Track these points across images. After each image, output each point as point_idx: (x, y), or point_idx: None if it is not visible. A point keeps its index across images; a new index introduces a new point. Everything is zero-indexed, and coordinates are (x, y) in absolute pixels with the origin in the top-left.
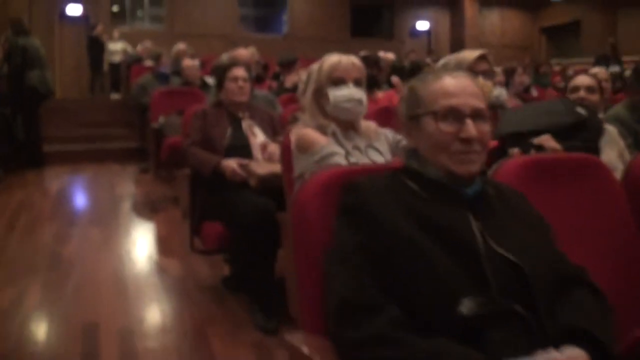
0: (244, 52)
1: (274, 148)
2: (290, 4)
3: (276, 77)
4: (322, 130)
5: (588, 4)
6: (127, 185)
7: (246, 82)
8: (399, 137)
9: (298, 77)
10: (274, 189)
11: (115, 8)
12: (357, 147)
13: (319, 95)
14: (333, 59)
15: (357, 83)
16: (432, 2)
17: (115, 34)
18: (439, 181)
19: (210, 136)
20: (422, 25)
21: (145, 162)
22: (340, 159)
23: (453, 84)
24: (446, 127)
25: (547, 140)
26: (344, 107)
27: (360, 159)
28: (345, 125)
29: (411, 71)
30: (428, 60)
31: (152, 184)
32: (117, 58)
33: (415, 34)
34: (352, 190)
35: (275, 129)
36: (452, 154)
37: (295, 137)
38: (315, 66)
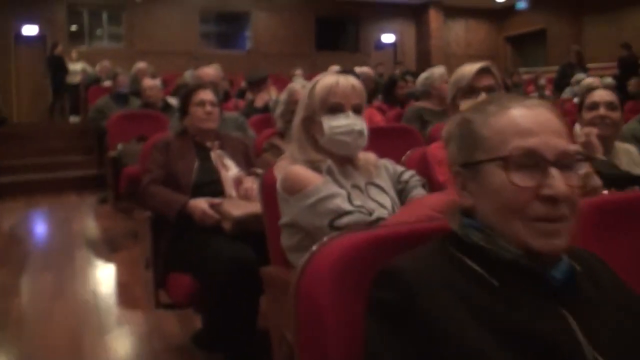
0: (210, 71)
1: (251, 183)
2: (253, 20)
3: (241, 94)
4: (315, 166)
5: (553, 13)
6: (85, 219)
7: (214, 106)
8: (399, 168)
9: (269, 95)
10: (252, 234)
11: (73, 27)
12: (356, 186)
13: (310, 123)
14: (328, 80)
15: (357, 110)
16: (397, 14)
17: (74, 54)
18: (515, 263)
19: (175, 171)
20: (388, 37)
21: (104, 191)
22: (342, 202)
23: (529, 118)
24: (522, 179)
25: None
26: (342, 140)
27: (363, 201)
28: (342, 160)
29: (388, 86)
30: (397, 72)
31: (111, 217)
32: (76, 79)
33: (380, 46)
34: (393, 281)
35: (250, 159)
36: (529, 220)
37: (282, 176)
38: (297, 86)
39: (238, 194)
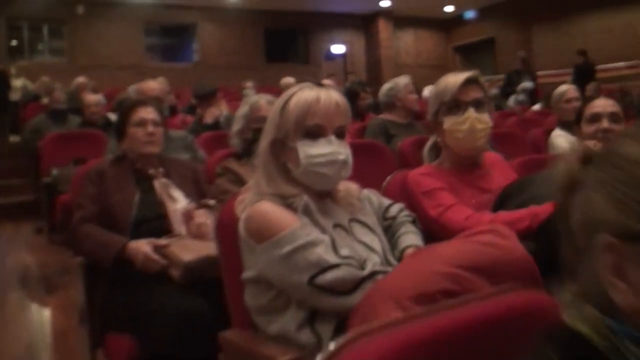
0: (154, 85)
1: (204, 217)
2: (200, 31)
3: (191, 110)
4: (287, 202)
5: (501, 22)
6: (18, 253)
7: (157, 125)
8: (385, 201)
9: (220, 110)
10: (208, 282)
11: (13, 42)
12: (339, 225)
13: (281, 149)
14: (306, 95)
15: (340, 134)
16: (346, 24)
17: (13, 69)
18: None
19: (111, 206)
20: (338, 48)
21: (41, 219)
22: (325, 252)
23: None
24: None
25: None
26: (321, 172)
27: (349, 244)
28: (320, 194)
29: (349, 98)
30: (347, 83)
31: (47, 249)
32: (16, 96)
33: (330, 57)
34: None
35: (201, 186)
36: None
37: (246, 215)
38: (261, 101)
39: (188, 232)
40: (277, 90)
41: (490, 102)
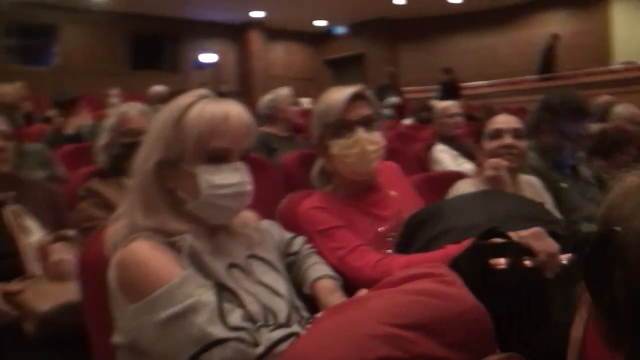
0: (8, 90)
1: (62, 252)
2: (61, 33)
3: (46, 120)
4: (170, 241)
5: (370, 39)
6: None
7: (8, 139)
8: (286, 235)
9: (81, 119)
10: (71, 334)
11: None
12: (234, 265)
13: (170, 172)
14: (211, 109)
15: (243, 159)
16: (217, 33)
17: None
18: None
19: None
20: (207, 57)
21: None
22: (210, 322)
23: None
24: None
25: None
26: (224, 206)
27: (247, 287)
28: (213, 228)
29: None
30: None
31: None
32: None
33: (200, 65)
34: None
35: (60, 213)
36: None
37: (117, 260)
38: (132, 111)
39: (45, 272)
40: (146, 99)
41: (379, 118)
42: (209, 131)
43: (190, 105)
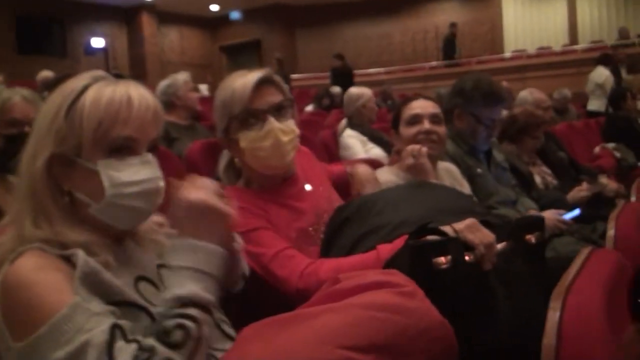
0: None
1: None
2: None
3: None
4: (65, 254)
5: (267, 24)
6: None
7: None
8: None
9: None
10: None
11: None
12: (144, 278)
13: (64, 169)
14: (110, 92)
15: (152, 149)
16: (107, 17)
17: None
18: None
19: None
20: (98, 42)
21: None
22: None
23: None
24: None
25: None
26: (134, 206)
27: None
28: (118, 236)
29: None
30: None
31: None
32: None
33: (90, 51)
34: None
35: None
36: None
37: (2, 284)
38: (16, 97)
39: None
40: (33, 85)
41: (292, 105)
42: (109, 117)
43: (84, 89)
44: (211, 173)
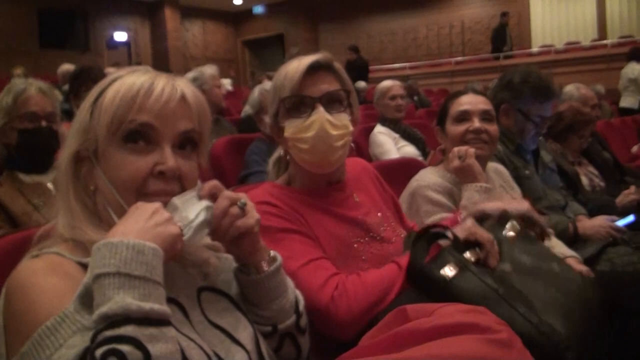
0: None
1: None
2: None
3: None
4: (81, 262)
5: (290, 19)
6: None
7: None
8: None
9: None
10: None
11: None
12: (174, 301)
13: (90, 167)
14: (134, 80)
15: (186, 144)
16: (131, 11)
17: None
18: None
19: None
20: (121, 36)
21: None
22: None
23: None
24: None
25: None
26: None
27: (188, 332)
28: None
29: None
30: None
31: None
32: None
33: (113, 45)
34: None
35: None
36: None
37: (7, 287)
38: (33, 90)
39: None
40: (54, 79)
41: (352, 96)
42: (125, 104)
43: (112, 82)
44: (236, 169)
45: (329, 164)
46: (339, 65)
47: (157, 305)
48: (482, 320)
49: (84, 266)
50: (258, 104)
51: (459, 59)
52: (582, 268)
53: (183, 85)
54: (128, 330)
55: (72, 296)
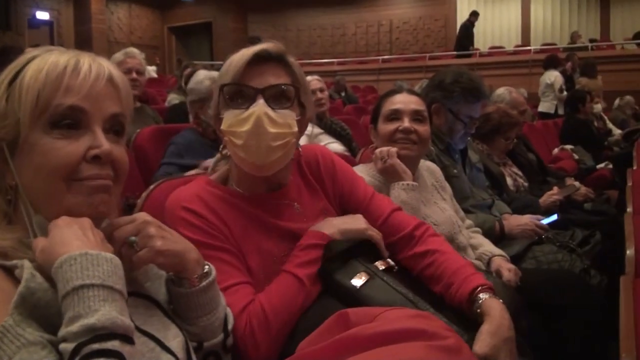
0: None
1: None
2: None
3: None
4: (7, 265)
5: (219, 7)
6: None
7: None
8: None
9: None
10: None
11: None
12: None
13: (6, 159)
14: (55, 60)
15: (114, 128)
16: None
17: None
18: None
19: None
20: (43, 15)
21: None
22: None
23: None
24: None
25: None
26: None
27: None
28: None
29: None
30: None
31: None
32: None
33: (35, 24)
34: None
35: None
36: None
37: None
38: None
39: None
40: None
41: (305, 95)
42: (50, 85)
43: (28, 62)
44: (157, 160)
45: (265, 167)
46: (293, 59)
47: (129, 322)
48: (429, 326)
49: (4, 269)
50: (205, 93)
51: (386, 57)
52: (510, 266)
53: (108, 65)
54: (115, 344)
55: (1, 305)
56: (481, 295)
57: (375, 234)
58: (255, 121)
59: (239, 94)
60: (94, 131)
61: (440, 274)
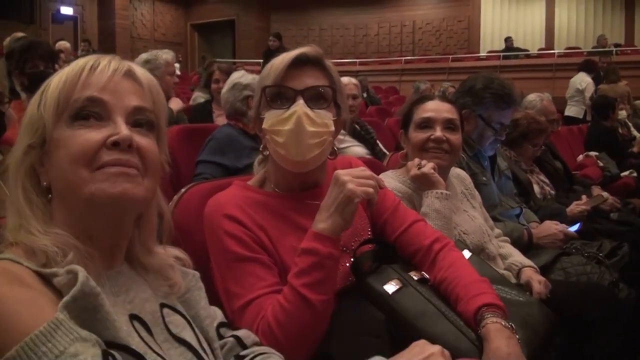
0: None
1: None
2: None
3: None
4: (45, 271)
5: (242, 5)
6: None
7: None
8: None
9: None
10: None
11: None
12: (136, 317)
13: (42, 161)
14: (79, 63)
15: (141, 123)
16: None
17: None
18: None
19: None
20: (68, 10)
21: None
22: None
23: None
24: None
25: None
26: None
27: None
28: (105, 248)
29: None
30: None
31: None
32: None
33: (59, 19)
34: None
35: None
36: None
37: None
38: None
39: None
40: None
41: (340, 96)
42: (69, 83)
43: (57, 73)
44: (190, 160)
45: (303, 163)
46: (329, 63)
47: None
48: None
49: (41, 276)
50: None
51: (409, 58)
52: (540, 278)
53: (131, 63)
54: None
55: (48, 304)
56: (486, 315)
57: (359, 189)
58: (296, 120)
59: (279, 95)
60: (115, 122)
61: (452, 289)
